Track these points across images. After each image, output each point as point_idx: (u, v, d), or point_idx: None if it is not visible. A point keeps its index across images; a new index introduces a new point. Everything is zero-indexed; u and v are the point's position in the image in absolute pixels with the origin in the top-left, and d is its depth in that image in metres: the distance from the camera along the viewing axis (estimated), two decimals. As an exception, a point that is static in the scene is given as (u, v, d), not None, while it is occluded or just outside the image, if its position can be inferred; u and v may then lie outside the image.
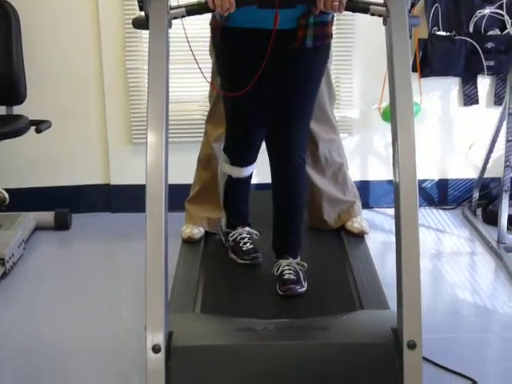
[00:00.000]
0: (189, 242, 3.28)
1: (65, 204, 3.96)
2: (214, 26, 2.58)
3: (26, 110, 3.68)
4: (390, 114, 2.14)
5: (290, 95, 2.63)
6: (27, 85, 3.71)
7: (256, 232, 3.07)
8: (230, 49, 2.57)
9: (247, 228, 3.06)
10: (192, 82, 3.80)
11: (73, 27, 3.90)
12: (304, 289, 2.74)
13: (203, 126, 3.37)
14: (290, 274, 2.75)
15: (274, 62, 2.49)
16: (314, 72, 2.66)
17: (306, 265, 2.80)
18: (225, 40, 2.56)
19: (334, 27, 3.51)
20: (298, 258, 2.82)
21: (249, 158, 2.91)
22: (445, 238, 3.83)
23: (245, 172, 2.93)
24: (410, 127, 2.04)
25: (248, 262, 2.96)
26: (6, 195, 3.71)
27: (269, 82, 2.57)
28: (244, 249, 2.99)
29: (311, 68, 2.63)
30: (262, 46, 2.43)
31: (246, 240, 3.02)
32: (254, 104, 2.65)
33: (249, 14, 2.39)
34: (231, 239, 3.04)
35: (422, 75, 3.89)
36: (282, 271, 2.76)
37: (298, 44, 2.50)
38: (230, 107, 2.75)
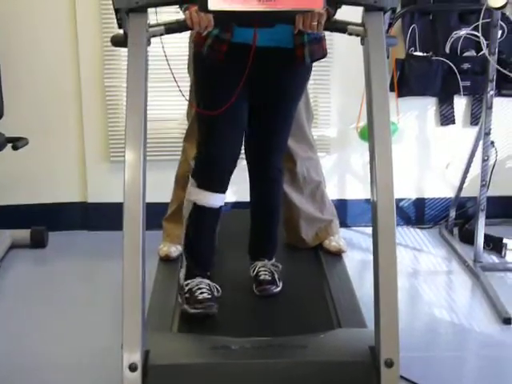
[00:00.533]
0: (166, 260, 3.28)
1: (42, 222, 3.93)
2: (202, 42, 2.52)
3: (2, 126, 3.65)
4: (367, 134, 2.15)
5: (272, 110, 2.66)
6: (4, 101, 3.69)
7: (218, 287, 2.72)
8: (222, 64, 2.51)
9: (207, 280, 2.72)
10: (170, 100, 3.80)
11: (51, 44, 3.90)
12: (279, 289, 2.86)
13: (181, 145, 3.37)
14: (266, 274, 2.87)
15: (261, 79, 2.53)
16: (298, 87, 2.69)
17: (280, 265, 2.93)
18: (227, 55, 2.49)
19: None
20: (273, 260, 2.94)
21: (218, 184, 2.67)
22: (422, 257, 3.84)
23: (213, 200, 2.65)
24: (387, 146, 2.05)
25: (200, 310, 2.62)
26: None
27: (252, 98, 2.59)
28: (199, 298, 2.65)
29: (295, 83, 2.66)
30: (254, 63, 2.44)
31: (203, 290, 2.67)
32: (233, 124, 2.62)
33: (245, 31, 2.40)
34: (186, 289, 2.69)
35: (400, 95, 3.92)
36: (258, 272, 2.88)
37: (299, 62, 2.52)
38: (206, 126, 2.64)
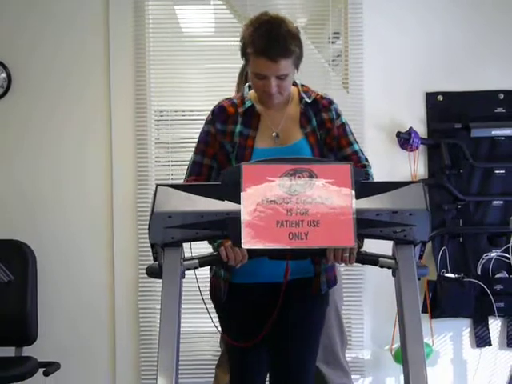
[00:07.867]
0: None
1: None
2: (216, 283, 2.56)
3: (35, 350, 3.66)
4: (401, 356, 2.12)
5: (298, 338, 2.59)
6: (38, 324, 3.72)
7: None
8: (237, 304, 2.53)
9: None
10: (203, 322, 3.76)
11: (86, 267, 3.99)
12: None
13: (213, 367, 3.33)
14: None
15: (283, 311, 2.49)
16: (319, 314, 2.63)
17: None
18: (231, 295, 2.52)
19: (342, 267, 3.58)
20: None
21: None
22: None
23: None
24: (421, 369, 2.00)
25: None
26: None
27: (277, 329, 2.56)
28: None
29: (317, 312, 2.61)
30: (270, 299, 2.45)
31: None
32: (259, 357, 2.59)
33: (256, 268, 2.41)
34: None
35: (433, 316, 3.89)
36: None
37: (314, 292, 2.52)
38: (234, 360, 2.64)
